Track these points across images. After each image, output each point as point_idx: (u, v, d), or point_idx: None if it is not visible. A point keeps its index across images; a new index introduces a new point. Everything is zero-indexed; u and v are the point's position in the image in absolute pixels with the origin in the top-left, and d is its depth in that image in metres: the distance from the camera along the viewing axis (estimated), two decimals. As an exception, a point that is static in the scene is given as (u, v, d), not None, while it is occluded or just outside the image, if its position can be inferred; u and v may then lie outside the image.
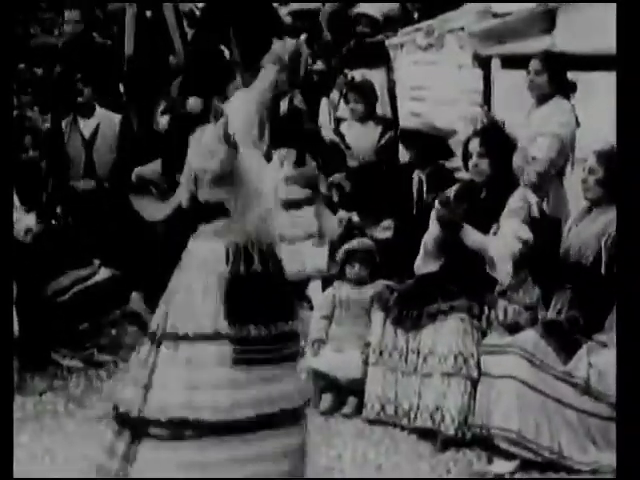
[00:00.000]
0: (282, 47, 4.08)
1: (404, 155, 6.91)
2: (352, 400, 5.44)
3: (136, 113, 7.57)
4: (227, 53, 4.18)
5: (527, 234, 5.08)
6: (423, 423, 5.04)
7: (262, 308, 3.93)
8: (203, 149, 4.05)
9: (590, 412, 4.70)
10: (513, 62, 6.87)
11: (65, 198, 6.89)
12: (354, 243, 5.90)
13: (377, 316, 5.37)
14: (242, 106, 4.01)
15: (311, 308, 6.27)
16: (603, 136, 5.23)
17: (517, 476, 4.67)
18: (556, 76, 5.91)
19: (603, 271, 4.80)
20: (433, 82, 7.33)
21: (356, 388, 5.41)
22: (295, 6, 8.29)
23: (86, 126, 7.20)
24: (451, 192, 5.38)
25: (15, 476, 3.81)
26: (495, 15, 7.21)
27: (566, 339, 4.78)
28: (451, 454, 4.89)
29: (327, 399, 5.47)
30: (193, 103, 4.09)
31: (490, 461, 4.79)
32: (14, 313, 5.37)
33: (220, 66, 4.19)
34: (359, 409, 5.36)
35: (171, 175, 4.02)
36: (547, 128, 5.82)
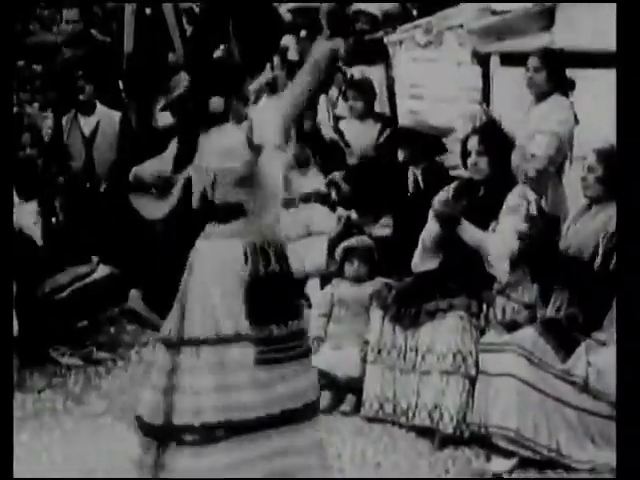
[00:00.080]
0: (321, 50, 3.93)
1: (401, 153, 6.90)
2: (351, 398, 5.44)
3: (135, 110, 7.56)
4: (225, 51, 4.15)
5: (525, 231, 5.07)
6: (422, 421, 5.04)
7: (280, 307, 3.95)
8: (221, 150, 3.98)
9: (589, 410, 4.69)
10: (512, 59, 6.85)
11: (64, 195, 6.88)
12: (353, 241, 5.90)
13: (376, 314, 5.36)
14: (271, 111, 3.97)
15: (310, 306, 6.26)
16: (602, 134, 5.21)
17: (515, 474, 4.67)
18: (555, 73, 5.90)
19: (599, 268, 4.79)
20: (432, 79, 7.29)
21: (355, 386, 5.41)
22: (295, 3, 8.28)
23: (86, 124, 7.20)
24: (450, 190, 5.38)
25: (15, 476, 3.79)
26: (494, 12, 7.19)
27: (565, 337, 4.77)
28: (449, 452, 4.88)
29: (326, 397, 5.45)
30: (216, 103, 4.03)
31: (488, 459, 4.79)
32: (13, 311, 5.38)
33: (231, 66, 4.16)
34: (358, 407, 5.36)
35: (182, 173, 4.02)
36: (546, 125, 5.81)
